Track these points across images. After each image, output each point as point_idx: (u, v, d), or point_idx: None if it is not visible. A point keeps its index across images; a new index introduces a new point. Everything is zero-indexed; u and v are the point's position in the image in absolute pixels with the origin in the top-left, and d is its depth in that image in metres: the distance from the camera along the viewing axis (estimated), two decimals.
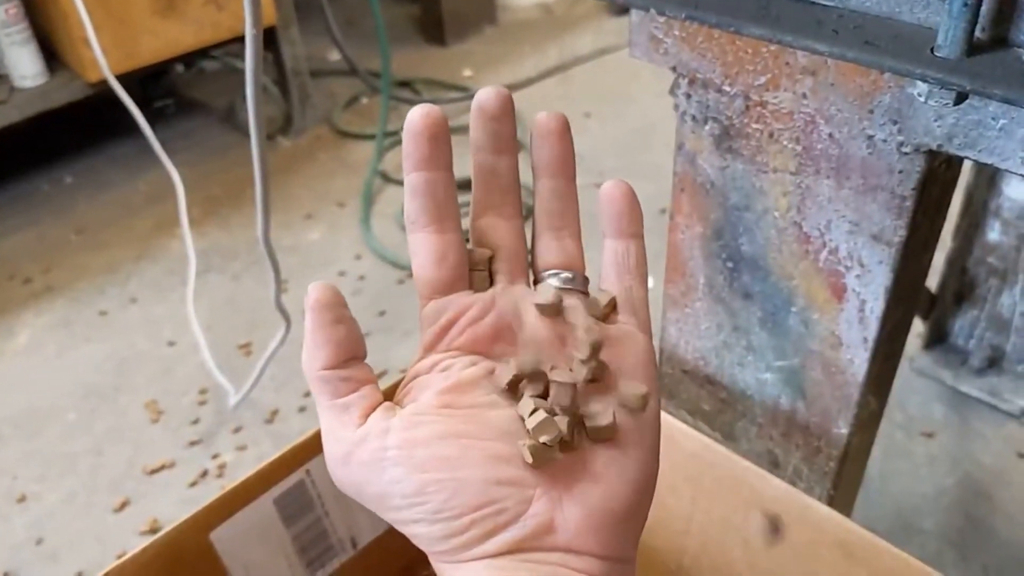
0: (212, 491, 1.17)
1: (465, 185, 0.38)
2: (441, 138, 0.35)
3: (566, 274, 0.38)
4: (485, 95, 0.37)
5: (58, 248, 1.75)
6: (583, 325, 0.36)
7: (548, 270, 0.38)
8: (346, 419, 0.34)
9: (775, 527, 0.36)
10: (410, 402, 0.35)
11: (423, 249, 0.36)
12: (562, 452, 0.34)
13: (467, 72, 2.36)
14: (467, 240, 0.38)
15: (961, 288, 1.29)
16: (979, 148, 0.49)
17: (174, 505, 1.21)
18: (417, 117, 0.35)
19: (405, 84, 2.27)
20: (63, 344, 1.51)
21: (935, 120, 0.50)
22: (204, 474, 1.26)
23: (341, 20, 2.14)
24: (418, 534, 0.33)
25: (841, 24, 0.46)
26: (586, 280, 0.39)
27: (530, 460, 0.32)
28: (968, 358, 1.32)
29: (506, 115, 0.37)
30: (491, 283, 0.37)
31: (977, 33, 0.43)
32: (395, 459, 0.33)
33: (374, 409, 0.34)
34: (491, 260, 0.37)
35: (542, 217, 0.39)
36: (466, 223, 0.39)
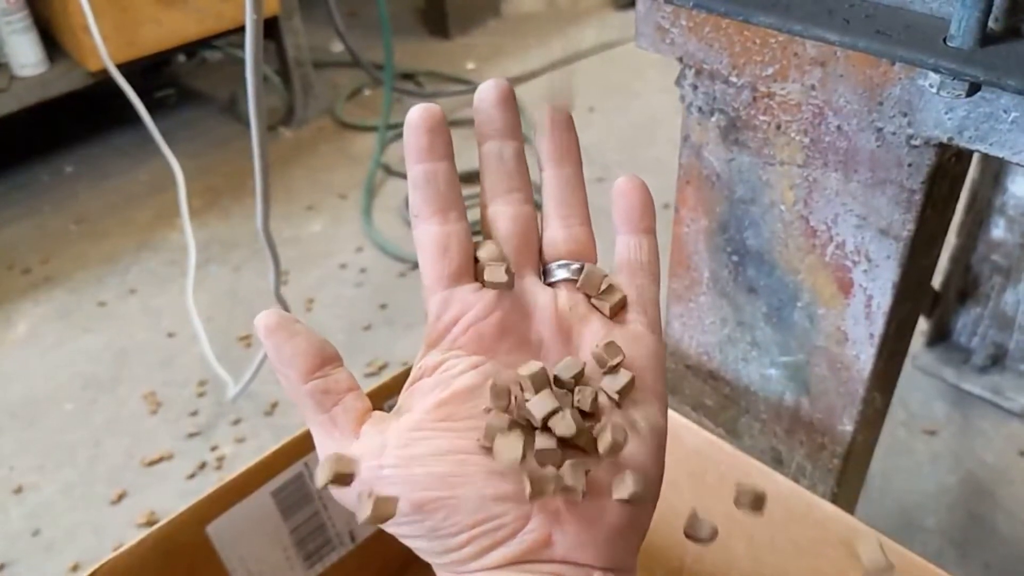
0: (211, 483, 1.16)
1: (472, 178, 0.38)
2: (439, 130, 0.36)
3: (576, 265, 0.37)
4: (485, 86, 0.37)
5: (57, 238, 1.74)
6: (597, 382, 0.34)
7: (557, 261, 0.37)
8: (338, 435, 0.34)
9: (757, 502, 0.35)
10: (407, 411, 0.34)
11: (427, 240, 0.36)
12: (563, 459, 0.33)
13: (470, 65, 2.35)
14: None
15: (965, 285, 1.28)
16: (990, 141, 0.48)
17: (172, 497, 1.21)
18: (415, 112, 0.36)
19: (408, 76, 2.26)
20: (62, 334, 1.50)
21: (946, 113, 0.49)
22: (203, 466, 1.25)
23: (344, 11, 2.13)
24: (417, 547, 0.33)
25: (852, 13, 0.45)
26: None
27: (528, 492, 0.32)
28: (971, 356, 1.31)
29: (507, 102, 0.37)
30: None
31: (990, 23, 0.42)
32: (392, 478, 0.32)
33: (362, 419, 0.34)
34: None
35: (550, 205, 0.38)
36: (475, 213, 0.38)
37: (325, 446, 0.34)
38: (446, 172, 0.36)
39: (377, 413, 0.35)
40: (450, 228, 0.36)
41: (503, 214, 0.37)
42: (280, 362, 0.34)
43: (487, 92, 0.37)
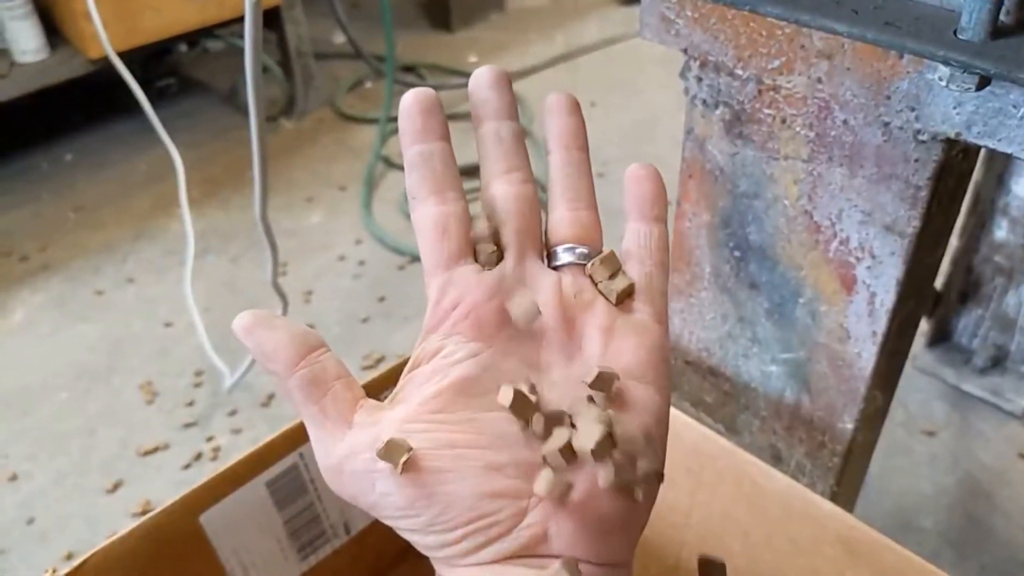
0: (206, 474, 1.16)
1: (474, 172, 0.37)
2: (433, 111, 0.36)
3: (581, 249, 0.36)
4: (479, 71, 0.37)
5: (55, 226, 1.73)
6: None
7: (562, 244, 0.36)
8: (330, 427, 0.33)
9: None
10: (402, 400, 0.33)
11: (425, 222, 0.35)
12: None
13: (472, 58, 2.34)
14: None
15: (966, 286, 1.28)
16: (999, 137, 0.47)
17: (167, 487, 1.20)
18: (409, 96, 0.36)
19: (410, 69, 2.26)
20: (58, 323, 1.50)
21: (954, 107, 0.48)
22: (198, 457, 1.25)
23: (346, 3, 2.12)
24: (413, 541, 0.33)
25: (861, 4, 0.44)
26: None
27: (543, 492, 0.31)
28: (971, 357, 1.31)
29: (502, 84, 0.37)
30: (500, 257, 0.35)
31: (1002, 16, 0.41)
32: (385, 472, 0.32)
33: (353, 408, 0.33)
34: (497, 232, 0.36)
35: (555, 189, 0.37)
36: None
37: (318, 438, 0.34)
38: (442, 152, 0.36)
39: (370, 402, 0.34)
40: (448, 208, 0.35)
41: (503, 194, 0.36)
42: (263, 358, 0.34)
43: (481, 75, 0.37)
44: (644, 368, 0.34)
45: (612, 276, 0.35)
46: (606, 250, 0.36)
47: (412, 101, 0.35)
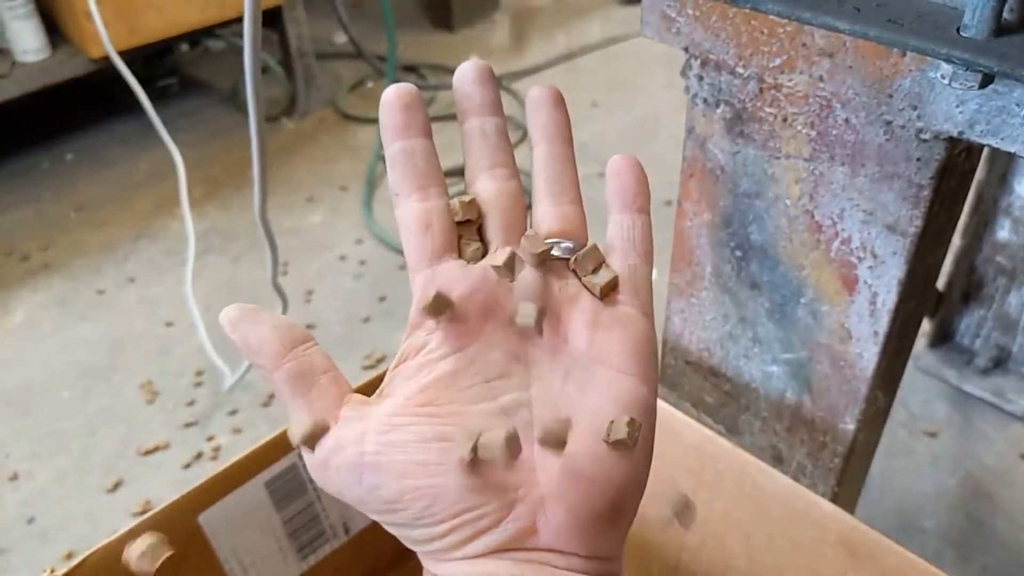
0: (206, 473, 1.16)
1: (461, 173, 0.37)
2: (414, 107, 0.35)
3: (566, 243, 0.36)
4: (464, 66, 0.37)
5: (57, 225, 1.73)
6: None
7: (547, 240, 0.36)
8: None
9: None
10: (389, 395, 0.33)
11: (408, 218, 0.35)
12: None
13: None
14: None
15: (968, 287, 1.28)
16: (1002, 136, 0.47)
17: (168, 487, 1.20)
18: (390, 91, 0.35)
19: (411, 69, 2.26)
20: (59, 322, 1.50)
21: (957, 106, 0.48)
22: (199, 456, 1.25)
23: (348, 2, 2.12)
24: (401, 535, 0.33)
25: (863, 2, 0.44)
26: None
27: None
28: (974, 357, 1.30)
29: (486, 80, 0.37)
30: (484, 252, 0.35)
31: (1005, 14, 0.41)
32: (372, 465, 0.32)
33: (340, 403, 0.33)
34: (481, 227, 0.36)
35: (540, 183, 0.37)
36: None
37: None
38: (424, 149, 0.35)
39: (357, 396, 0.34)
40: (431, 204, 0.35)
41: (488, 190, 0.36)
42: (249, 352, 0.34)
43: (466, 71, 0.37)
44: (630, 360, 0.34)
45: (595, 270, 0.35)
46: (589, 244, 0.36)
47: (394, 97, 0.35)
